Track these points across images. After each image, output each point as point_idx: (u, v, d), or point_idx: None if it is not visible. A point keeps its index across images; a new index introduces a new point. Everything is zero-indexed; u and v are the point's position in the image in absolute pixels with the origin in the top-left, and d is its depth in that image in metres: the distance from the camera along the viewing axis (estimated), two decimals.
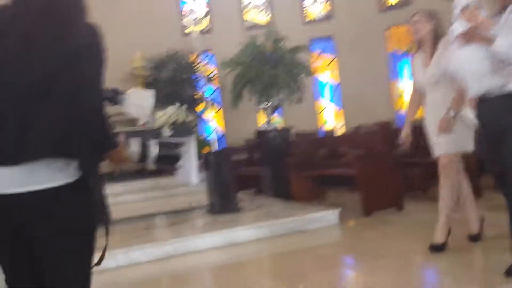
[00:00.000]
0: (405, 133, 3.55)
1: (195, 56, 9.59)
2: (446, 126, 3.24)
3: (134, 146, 1.61)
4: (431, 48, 3.39)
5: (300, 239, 4.37)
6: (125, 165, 1.56)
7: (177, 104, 5.51)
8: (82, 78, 1.36)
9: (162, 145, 1.65)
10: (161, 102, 8.58)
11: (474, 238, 3.47)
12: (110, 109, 1.52)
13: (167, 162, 1.70)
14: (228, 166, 5.23)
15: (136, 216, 5.65)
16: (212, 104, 9.84)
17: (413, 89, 3.65)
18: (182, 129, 5.44)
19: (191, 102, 9.08)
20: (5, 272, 1.49)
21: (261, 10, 10.62)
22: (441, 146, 3.34)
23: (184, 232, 4.63)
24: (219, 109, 10.27)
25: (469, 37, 2.64)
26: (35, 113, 1.32)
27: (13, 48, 1.36)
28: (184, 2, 10.67)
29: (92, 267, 1.52)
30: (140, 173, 9.62)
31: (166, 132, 5.31)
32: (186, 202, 5.82)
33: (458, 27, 2.69)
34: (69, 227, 1.41)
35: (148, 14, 9.76)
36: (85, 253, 1.47)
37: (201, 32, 10.41)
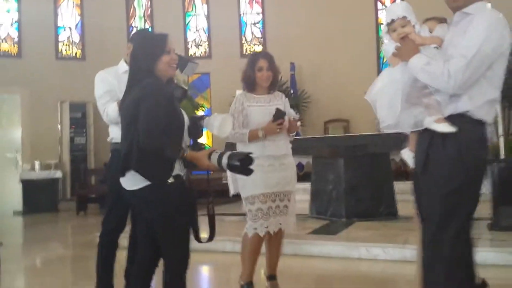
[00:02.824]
0: None
1: None
2: None
3: (214, 158, 2.28)
4: None
5: None
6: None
7: None
8: (141, 119, 2.18)
9: (230, 157, 2.27)
10: None
11: None
12: None
13: (234, 170, 2.34)
14: None
15: None
16: None
17: None
18: None
19: None
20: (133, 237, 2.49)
21: None
22: None
23: None
24: None
25: (397, 54, 2.08)
26: (123, 147, 2.31)
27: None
28: None
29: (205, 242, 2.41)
30: None
31: None
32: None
33: (389, 46, 2.12)
34: (154, 214, 2.29)
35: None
36: (169, 231, 2.30)
37: None
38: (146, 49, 2.37)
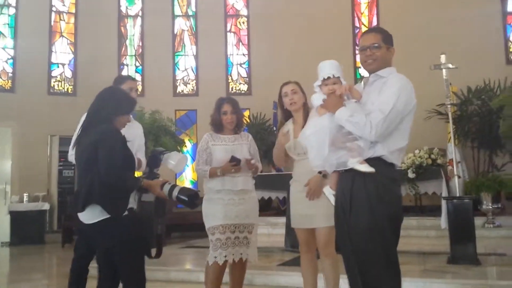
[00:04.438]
0: None
1: None
2: None
3: (166, 189, 2.67)
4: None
5: None
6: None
7: (426, 148, 5.61)
8: (100, 159, 2.51)
9: (180, 190, 2.68)
10: (466, 139, 8.33)
11: None
12: None
13: (182, 202, 2.71)
14: (468, 213, 4.98)
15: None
16: None
17: None
18: (427, 172, 5.51)
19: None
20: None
21: None
22: None
23: None
24: None
25: (324, 106, 2.46)
26: (83, 184, 2.56)
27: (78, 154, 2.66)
28: (510, 29, 9.88)
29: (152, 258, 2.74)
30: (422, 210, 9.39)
31: (410, 174, 5.52)
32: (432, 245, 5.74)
33: (317, 98, 2.52)
34: (111, 244, 2.57)
35: (467, 47, 9.47)
36: (126, 258, 2.59)
37: None
38: (118, 102, 2.78)
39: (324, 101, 2.56)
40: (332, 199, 2.66)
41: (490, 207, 7.33)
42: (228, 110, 3.68)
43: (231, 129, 3.72)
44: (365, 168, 2.41)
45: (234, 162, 3.53)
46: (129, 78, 3.98)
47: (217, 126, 3.72)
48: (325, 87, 2.61)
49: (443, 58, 5.44)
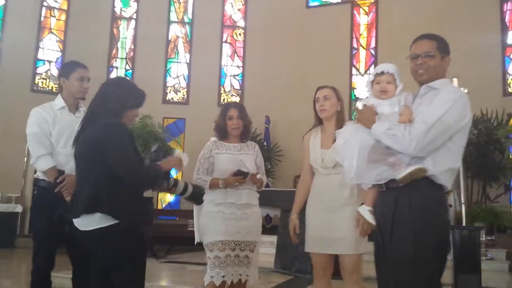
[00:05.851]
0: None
1: None
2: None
3: (180, 187, 2.64)
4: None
5: None
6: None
7: None
8: (113, 158, 2.19)
9: (194, 188, 2.70)
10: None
11: None
12: None
13: (194, 199, 2.79)
14: (475, 244, 4.73)
15: None
16: None
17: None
18: None
19: (498, 171, 8.34)
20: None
21: None
22: None
23: None
24: None
25: (359, 120, 2.20)
26: (84, 187, 2.25)
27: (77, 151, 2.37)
28: (508, 61, 9.86)
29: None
30: None
31: None
32: None
33: (363, 102, 2.26)
34: (111, 254, 2.23)
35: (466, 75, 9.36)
36: (122, 268, 2.27)
37: None
38: (126, 94, 2.46)
39: (358, 114, 2.30)
40: (370, 217, 2.33)
41: (484, 239, 7.12)
42: (234, 115, 3.40)
43: (236, 135, 3.42)
44: (414, 167, 2.11)
45: (241, 176, 3.22)
46: (80, 65, 3.35)
47: (222, 132, 3.43)
48: (377, 85, 2.33)
49: (455, 82, 5.24)
